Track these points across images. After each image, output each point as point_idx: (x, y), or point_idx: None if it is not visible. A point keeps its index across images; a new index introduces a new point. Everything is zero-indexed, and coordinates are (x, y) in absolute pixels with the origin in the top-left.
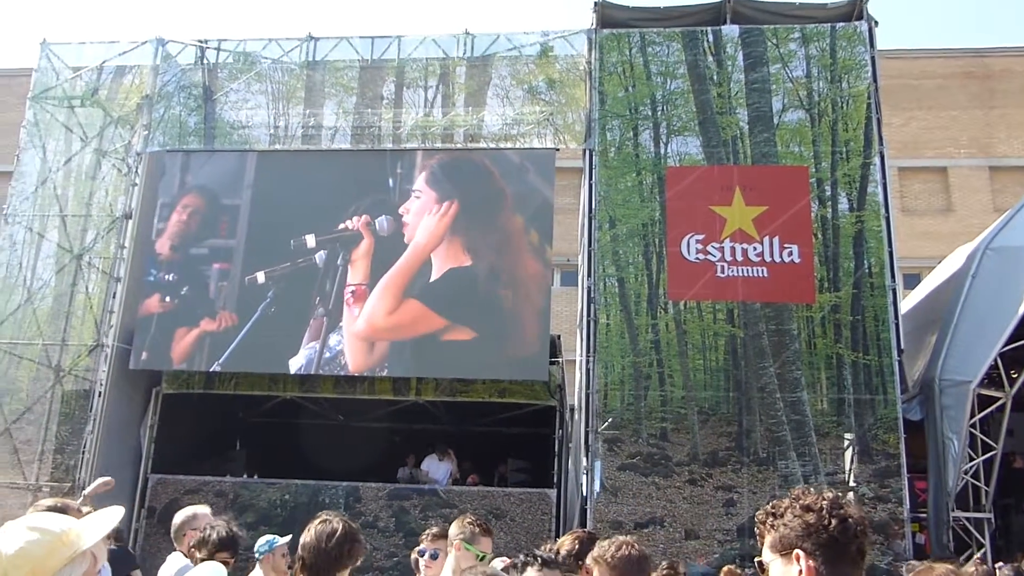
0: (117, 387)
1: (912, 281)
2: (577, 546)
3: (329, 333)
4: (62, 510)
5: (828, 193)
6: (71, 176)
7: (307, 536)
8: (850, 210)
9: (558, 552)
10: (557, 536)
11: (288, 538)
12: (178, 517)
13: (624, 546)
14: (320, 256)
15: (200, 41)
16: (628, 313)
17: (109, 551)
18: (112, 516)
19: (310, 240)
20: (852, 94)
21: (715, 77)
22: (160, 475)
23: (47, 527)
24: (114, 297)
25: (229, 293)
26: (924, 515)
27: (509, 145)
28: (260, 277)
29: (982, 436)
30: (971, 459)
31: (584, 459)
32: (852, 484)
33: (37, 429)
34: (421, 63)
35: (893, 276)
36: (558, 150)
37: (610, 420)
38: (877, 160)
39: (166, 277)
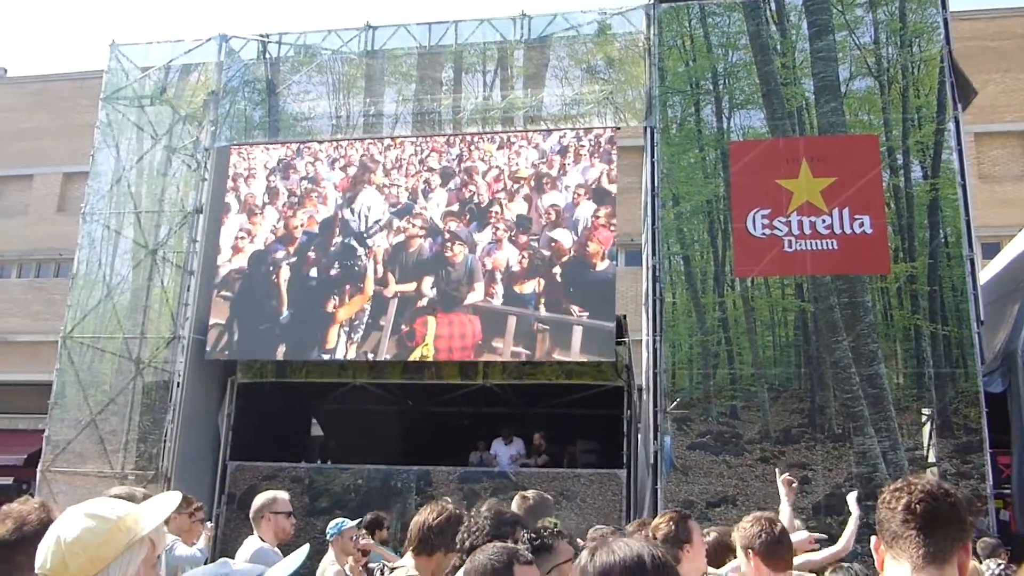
0: (195, 377)
1: (992, 250)
2: (673, 528)
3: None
4: (129, 498)
5: (900, 162)
6: (143, 174)
7: (417, 516)
8: (924, 178)
9: (654, 535)
10: (628, 517)
11: (357, 521)
12: (257, 500)
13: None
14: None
15: (261, 35)
16: (694, 291)
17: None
18: (170, 501)
19: None
20: (924, 58)
21: (778, 47)
22: (238, 462)
23: (104, 514)
24: (188, 290)
25: (298, 282)
26: (1008, 491)
27: (569, 126)
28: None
29: None
30: None
31: (653, 439)
32: (932, 460)
33: (121, 419)
34: (479, 47)
35: (971, 245)
36: (619, 129)
37: (678, 399)
38: (951, 126)
39: (237, 269)
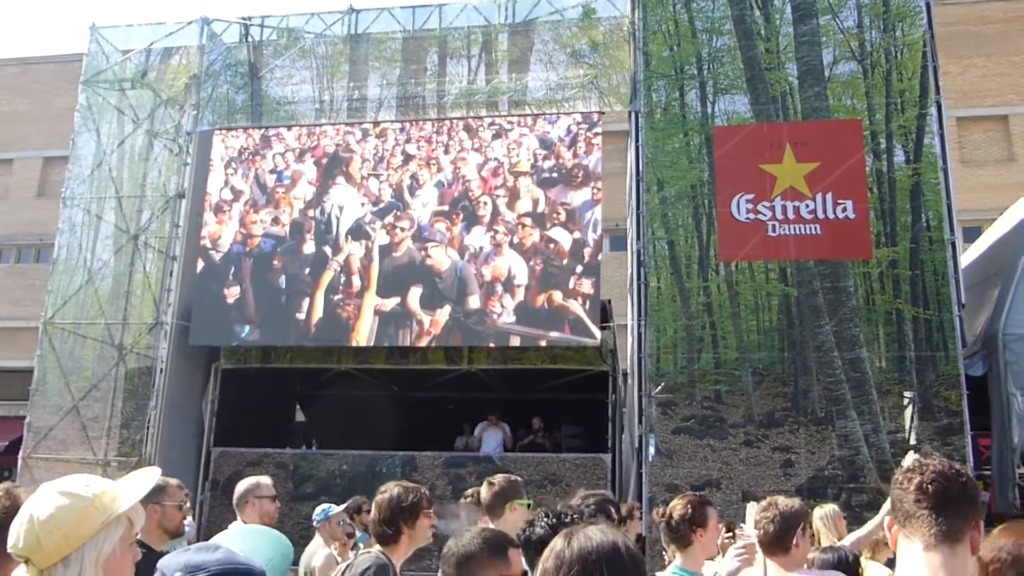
0: (178, 363)
1: (973, 234)
2: (690, 510)
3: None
4: None
5: (883, 146)
6: (125, 158)
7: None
8: (906, 163)
9: (670, 516)
10: None
11: (343, 507)
12: (240, 486)
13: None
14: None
15: (244, 18)
16: (679, 276)
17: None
18: (148, 478)
19: None
20: (906, 43)
21: (762, 32)
22: (222, 448)
23: (79, 492)
24: (171, 275)
25: (287, 266)
26: (989, 472)
27: (553, 110)
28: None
29: None
30: None
31: (638, 423)
32: (913, 442)
33: (103, 406)
34: (463, 32)
35: (952, 229)
36: (603, 113)
37: (663, 384)
38: (934, 110)
39: (221, 254)
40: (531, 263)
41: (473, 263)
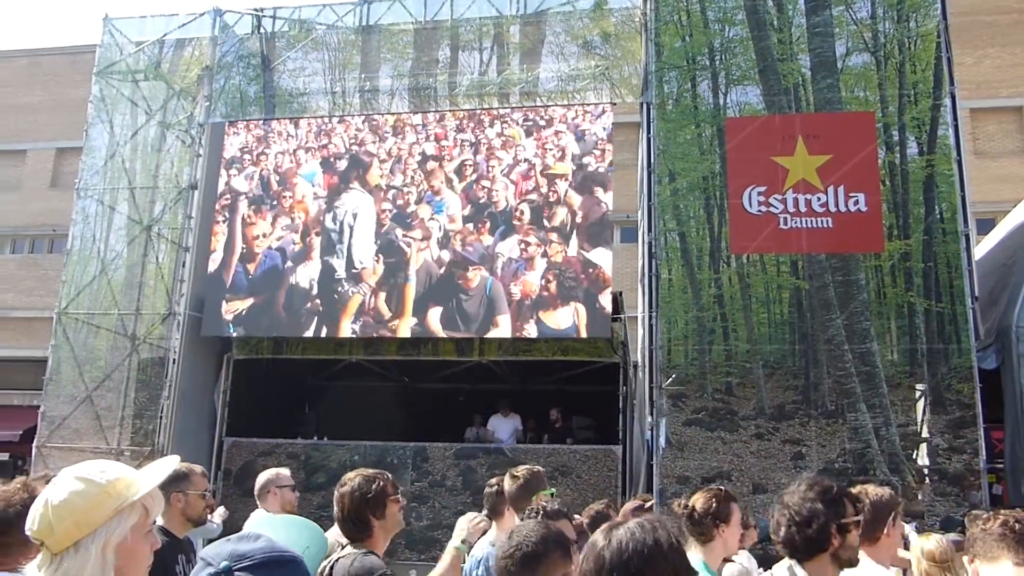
0: (190, 354)
1: (987, 226)
2: (713, 504)
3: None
4: None
5: (896, 138)
6: (138, 149)
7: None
8: (919, 154)
9: (693, 508)
10: (624, 492)
11: None
12: (262, 477)
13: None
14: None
15: (256, 10)
16: (690, 268)
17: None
18: (166, 466)
19: None
20: (920, 34)
21: (775, 22)
22: (234, 438)
23: (93, 478)
24: (183, 266)
25: (296, 256)
26: (1001, 465)
27: (565, 102)
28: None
29: None
30: None
31: (649, 415)
32: (925, 435)
33: (117, 396)
34: (475, 23)
35: (966, 221)
36: (615, 104)
37: (674, 376)
38: (947, 101)
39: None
40: (546, 278)
41: (502, 279)
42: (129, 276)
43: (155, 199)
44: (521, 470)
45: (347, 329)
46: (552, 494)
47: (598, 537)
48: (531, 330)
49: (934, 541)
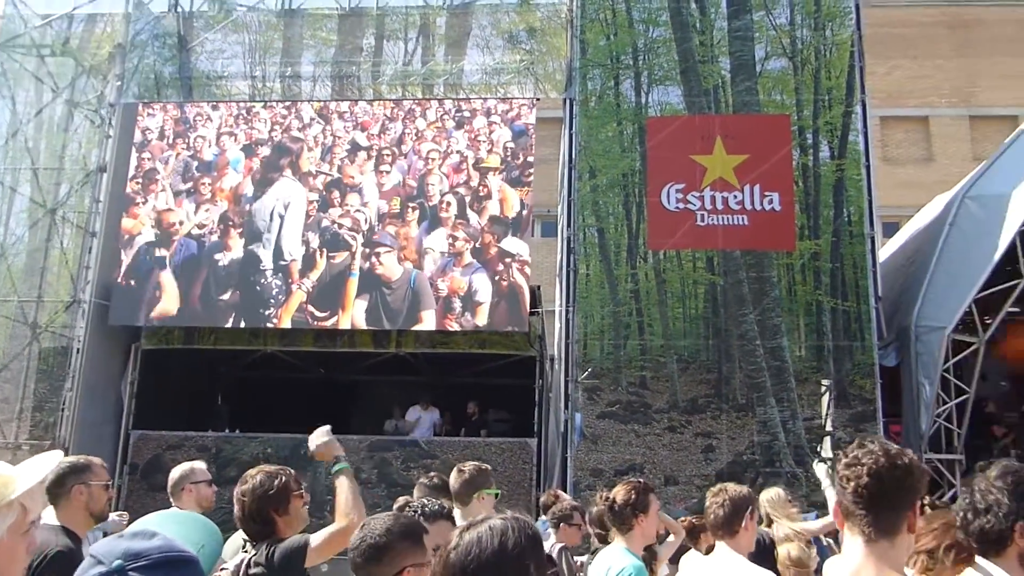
0: (96, 343)
1: (892, 229)
2: (633, 495)
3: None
4: None
5: (810, 141)
6: (43, 128)
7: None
8: (831, 158)
9: (614, 500)
10: (538, 485)
11: None
12: (174, 474)
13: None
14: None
15: None
16: (608, 263)
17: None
18: (46, 463)
19: None
20: (835, 42)
21: (698, 25)
22: (141, 431)
23: None
24: (90, 252)
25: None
26: None
27: (489, 95)
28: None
29: (955, 380)
30: (944, 403)
31: (564, 408)
32: (829, 429)
33: (15, 387)
34: (401, 12)
35: (872, 224)
36: (538, 99)
37: (589, 369)
38: (859, 108)
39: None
40: (496, 277)
41: (432, 276)
42: (30, 262)
43: (60, 181)
44: (468, 465)
45: (287, 322)
46: (497, 495)
47: (453, 535)
48: (454, 324)
49: (797, 548)
